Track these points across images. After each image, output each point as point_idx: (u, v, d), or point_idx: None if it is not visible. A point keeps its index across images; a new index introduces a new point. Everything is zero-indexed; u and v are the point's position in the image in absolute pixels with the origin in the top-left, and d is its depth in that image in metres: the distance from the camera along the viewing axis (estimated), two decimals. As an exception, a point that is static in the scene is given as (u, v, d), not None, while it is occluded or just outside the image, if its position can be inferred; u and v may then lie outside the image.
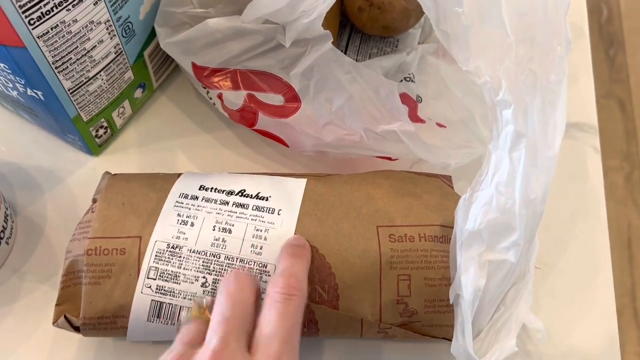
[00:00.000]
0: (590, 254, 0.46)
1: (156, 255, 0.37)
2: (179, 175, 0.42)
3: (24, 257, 0.44)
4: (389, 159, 0.46)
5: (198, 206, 0.39)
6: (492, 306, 0.38)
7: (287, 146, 0.45)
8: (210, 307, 0.33)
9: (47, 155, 0.49)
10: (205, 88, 0.45)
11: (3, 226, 0.42)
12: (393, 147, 0.43)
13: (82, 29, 0.38)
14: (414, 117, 0.49)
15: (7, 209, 0.43)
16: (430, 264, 0.38)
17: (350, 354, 0.42)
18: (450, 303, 0.37)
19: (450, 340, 0.37)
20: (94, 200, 0.40)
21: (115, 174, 0.42)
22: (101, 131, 0.47)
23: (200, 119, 0.51)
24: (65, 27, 0.37)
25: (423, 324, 0.38)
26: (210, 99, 0.47)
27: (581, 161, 0.50)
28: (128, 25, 0.42)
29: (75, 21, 0.38)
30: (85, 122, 0.45)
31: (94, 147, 0.48)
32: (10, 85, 0.41)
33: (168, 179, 0.41)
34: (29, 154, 0.49)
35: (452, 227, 0.38)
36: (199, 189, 0.40)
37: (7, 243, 0.43)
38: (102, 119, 0.46)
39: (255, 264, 0.37)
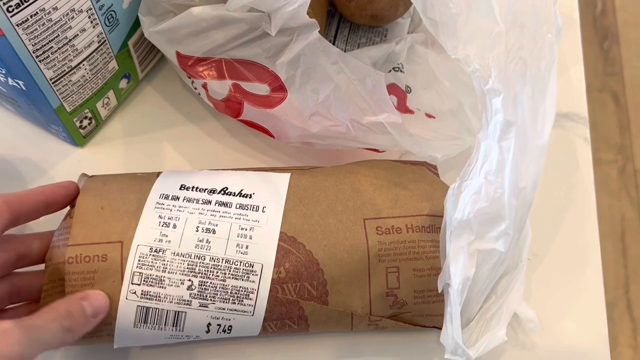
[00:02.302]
0: (580, 244, 0.46)
1: (139, 260, 0.36)
2: (158, 174, 0.41)
3: (7, 250, 0.44)
4: (376, 150, 0.45)
5: (180, 207, 0.38)
6: (482, 295, 0.38)
7: (273, 137, 0.45)
8: None
9: (31, 146, 0.48)
10: (190, 78, 0.45)
11: (-16, 219, 0.42)
12: (379, 139, 0.42)
13: (63, 17, 0.38)
14: (403, 108, 0.48)
15: (-11, 201, 0.43)
16: (419, 254, 0.37)
17: (340, 342, 0.42)
18: (440, 292, 0.37)
19: (440, 328, 0.36)
20: (72, 205, 0.39)
21: (92, 176, 0.41)
22: (85, 122, 0.46)
23: (187, 110, 0.50)
24: (45, 14, 0.36)
25: (413, 314, 0.38)
26: (195, 89, 0.46)
27: (571, 151, 0.50)
28: (111, 14, 0.42)
29: (55, 9, 0.37)
30: (68, 113, 0.44)
31: (78, 138, 0.47)
32: (-9, 75, 0.41)
33: (147, 179, 0.40)
34: (12, 146, 0.48)
35: (440, 216, 0.38)
36: (180, 189, 0.39)
37: (-11, 236, 0.43)
38: (87, 110, 0.46)
39: (242, 263, 0.36)
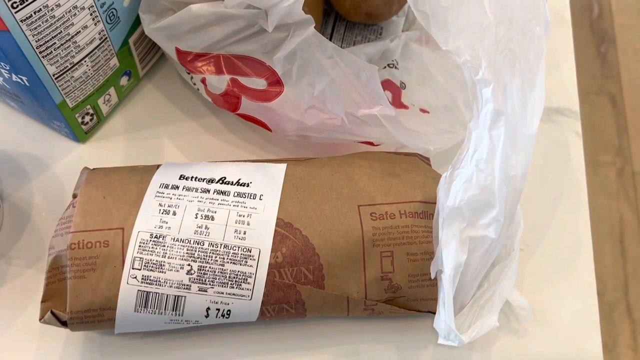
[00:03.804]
0: (572, 235, 0.47)
1: (140, 246, 0.37)
2: (158, 166, 0.42)
3: (11, 242, 0.45)
4: (371, 144, 0.46)
5: (179, 195, 0.39)
6: (475, 282, 0.39)
7: (270, 130, 0.46)
8: None
9: (34, 142, 0.49)
10: (189, 73, 0.46)
11: (-11, 211, 0.43)
12: (374, 132, 0.43)
13: (66, 13, 0.39)
14: (398, 103, 0.49)
15: (-7, 194, 0.44)
16: (412, 239, 0.38)
17: (337, 329, 0.43)
18: (433, 278, 0.38)
19: (434, 313, 0.37)
20: (74, 196, 0.40)
21: (94, 169, 0.42)
22: (87, 118, 0.47)
23: (186, 107, 0.51)
24: (48, 11, 0.38)
25: (408, 298, 0.39)
26: (194, 84, 0.47)
27: (563, 145, 0.51)
28: (112, 12, 0.43)
29: (58, 6, 0.38)
30: (71, 109, 0.45)
31: (80, 134, 0.48)
32: (-4, 71, 0.42)
33: (147, 171, 0.41)
34: (15, 142, 0.49)
35: (432, 203, 0.39)
36: (179, 179, 0.40)
37: (-6, 228, 0.44)
38: (88, 106, 0.47)
39: (240, 249, 0.37)
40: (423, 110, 0.49)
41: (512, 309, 0.43)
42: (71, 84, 0.43)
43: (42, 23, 0.38)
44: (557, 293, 0.45)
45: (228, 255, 0.37)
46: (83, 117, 0.47)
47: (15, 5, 0.35)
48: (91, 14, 0.41)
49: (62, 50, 0.41)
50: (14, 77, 0.41)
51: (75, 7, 0.39)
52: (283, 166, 0.41)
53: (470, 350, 0.43)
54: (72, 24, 0.40)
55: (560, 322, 0.44)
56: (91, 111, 0.47)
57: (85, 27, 0.41)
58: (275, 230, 0.38)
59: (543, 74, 0.37)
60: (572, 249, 0.46)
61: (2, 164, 0.48)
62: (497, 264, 0.41)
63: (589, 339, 0.43)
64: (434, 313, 0.38)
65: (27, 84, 0.42)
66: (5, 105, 0.50)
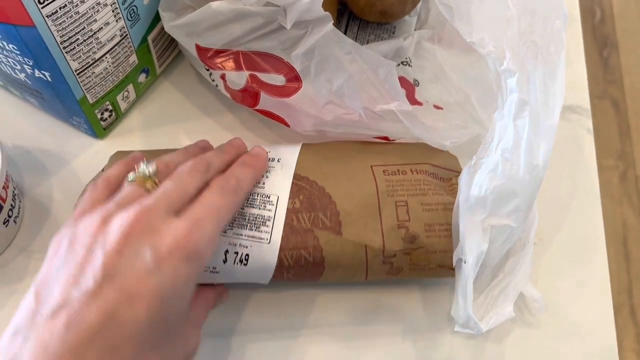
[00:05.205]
0: (585, 230, 0.47)
1: None
2: None
3: (31, 236, 0.45)
4: (387, 139, 0.47)
5: None
6: (491, 271, 0.39)
7: (288, 126, 0.46)
8: (154, 180, 0.35)
9: (53, 139, 0.50)
10: (208, 70, 0.46)
11: (11, 205, 0.43)
12: (391, 127, 0.44)
13: (89, 10, 0.39)
14: (412, 100, 0.50)
15: (15, 189, 0.44)
16: (424, 191, 0.40)
17: (353, 307, 0.44)
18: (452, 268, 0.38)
19: (452, 269, 0.38)
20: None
21: (120, 151, 0.44)
22: (106, 114, 0.48)
23: (203, 104, 0.52)
24: (73, 7, 0.38)
25: (426, 250, 0.39)
26: (213, 80, 0.48)
27: (575, 142, 0.52)
28: (133, 9, 0.43)
29: (82, 2, 0.39)
30: (91, 105, 0.46)
31: (99, 130, 0.49)
32: (19, 67, 0.42)
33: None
34: (35, 138, 0.49)
35: (444, 168, 0.41)
36: None
37: (15, 222, 0.44)
38: (107, 102, 0.47)
39: (259, 195, 0.39)
40: (437, 107, 0.49)
41: (525, 302, 0.44)
42: (92, 79, 0.44)
43: (67, 19, 0.38)
44: (571, 287, 0.45)
45: (247, 200, 0.39)
46: (102, 113, 0.48)
47: (42, 0, 0.36)
48: (113, 11, 0.41)
49: (84, 46, 0.41)
50: (36, 72, 0.42)
51: (99, 4, 0.40)
52: (298, 144, 0.44)
53: (484, 340, 0.43)
54: (95, 20, 0.40)
55: (575, 316, 0.44)
56: (110, 107, 0.48)
57: (107, 23, 0.42)
58: (293, 182, 0.40)
59: (563, 66, 0.38)
60: (585, 244, 0.47)
61: (22, 160, 0.48)
62: (512, 255, 0.42)
63: (604, 333, 0.43)
64: (452, 269, 0.39)
65: (50, 79, 0.42)
66: (25, 102, 0.50)
